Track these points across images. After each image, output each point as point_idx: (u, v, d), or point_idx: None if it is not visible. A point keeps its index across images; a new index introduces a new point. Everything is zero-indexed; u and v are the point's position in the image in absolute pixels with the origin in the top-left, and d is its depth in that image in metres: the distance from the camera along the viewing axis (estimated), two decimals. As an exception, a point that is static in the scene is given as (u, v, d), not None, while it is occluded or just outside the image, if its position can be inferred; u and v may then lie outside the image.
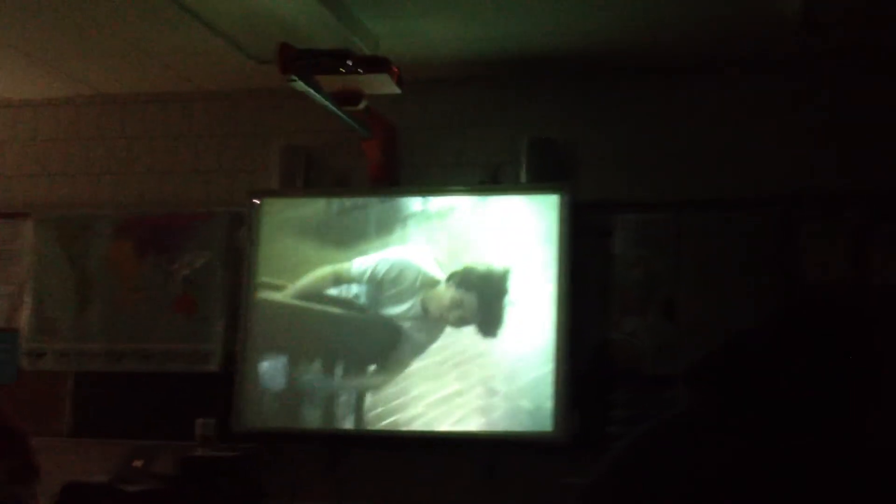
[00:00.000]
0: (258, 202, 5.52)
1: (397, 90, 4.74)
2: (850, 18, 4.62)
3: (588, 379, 5.06)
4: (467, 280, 5.21)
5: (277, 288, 5.40)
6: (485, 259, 5.21)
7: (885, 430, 1.82)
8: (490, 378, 5.11)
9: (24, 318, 5.79)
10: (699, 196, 5.13)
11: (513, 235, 5.20)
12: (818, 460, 1.72)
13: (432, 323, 5.22)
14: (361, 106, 4.86)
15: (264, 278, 5.43)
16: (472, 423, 5.10)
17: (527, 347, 5.07)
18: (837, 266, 4.89)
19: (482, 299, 5.18)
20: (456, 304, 5.20)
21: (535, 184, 5.24)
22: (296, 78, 4.47)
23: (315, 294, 5.37)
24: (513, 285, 5.13)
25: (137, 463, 5.12)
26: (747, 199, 5.07)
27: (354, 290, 5.32)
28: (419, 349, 5.22)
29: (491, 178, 5.38)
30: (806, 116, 5.11)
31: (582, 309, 5.07)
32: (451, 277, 5.24)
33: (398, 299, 5.28)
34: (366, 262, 5.33)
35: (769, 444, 1.72)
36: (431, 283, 5.25)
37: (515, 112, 5.47)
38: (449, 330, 5.19)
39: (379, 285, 5.30)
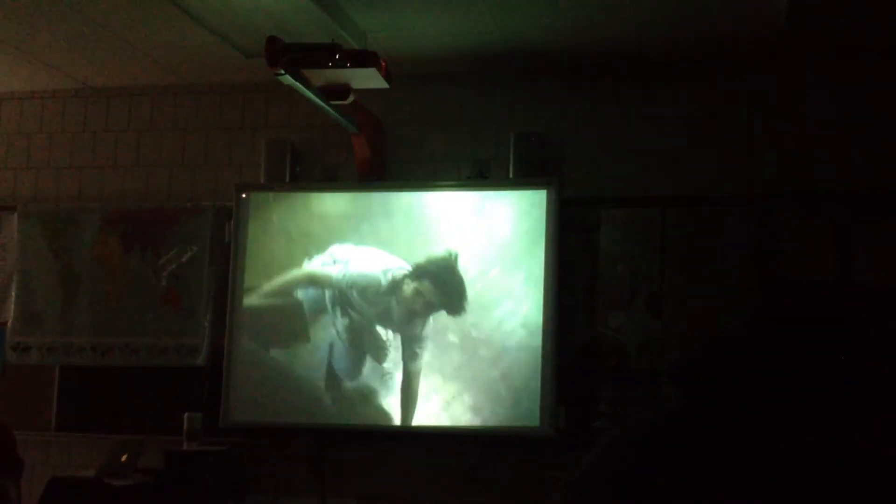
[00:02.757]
0: (245, 196, 5.51)
1: (385, 84, 4.74)
2: (834, 18, 4.65)
3: (574, 374, 5.07)
4: (426, 271, 5.24)
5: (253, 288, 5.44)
6: (441, 247, 5.23)
7: (867, 423, 1.84)
8: (477, 374, 5.12)
9: (10, 312, 5.77)
10: (684, 193, 5.16)
11: (484, 228, 5.23)
12: (803, 455, 1.73)
13: (406, 317, 5.24)
14: (349, 100, 4.85)
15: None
16: (459, 418, 5.12)
17: (513, 343, 5.09)
18: (819, 264, 4.92)
19: (440, 285, 5.21)
20: (417, 294, 5.24)
21: (523, 179, 5.24)
22: (283, 72, 4.47)
23: (287, 293, 5.39)
24: (469, 268, 5.17)
25: (123, 457, 5.11)
26: (732, 197, 5.10)
27: (328, 294, 5.33)
28: (398, 344, 5.23)
29: (478, 173, 5.38)
30: (790, 115, 5.14)
31: (568, 304, 5.09)
32: (412, 272, 5.27)
33: (372, 302, 5.30)
34: (337, 268, 5.35)
35: (754, 440, 1.73)
36: (397, 282, 5.27)
37: (502, 107, 5.47)
38: (423, 322, 5.22)
39: (353, 291, 5.32)
